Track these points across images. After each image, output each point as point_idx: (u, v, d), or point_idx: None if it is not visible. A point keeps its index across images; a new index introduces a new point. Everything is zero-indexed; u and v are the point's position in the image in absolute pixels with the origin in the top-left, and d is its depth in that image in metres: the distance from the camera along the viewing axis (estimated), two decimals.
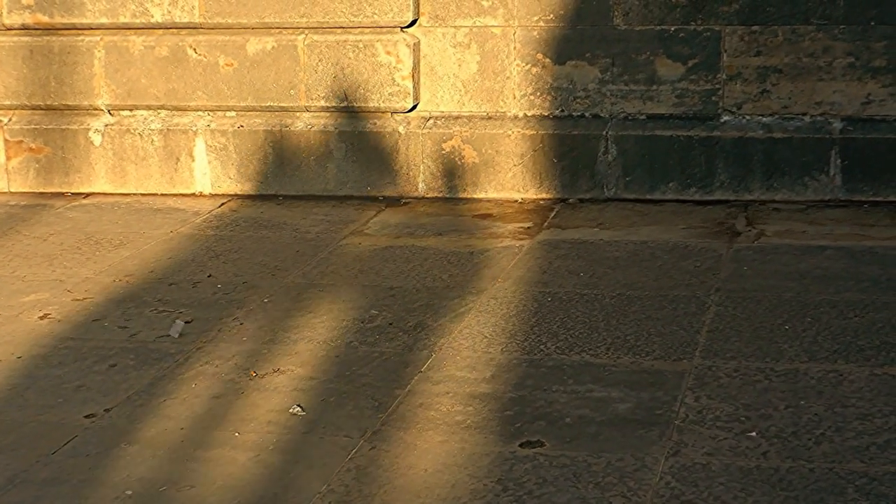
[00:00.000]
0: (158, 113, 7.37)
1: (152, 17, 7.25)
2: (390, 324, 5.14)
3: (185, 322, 5.22)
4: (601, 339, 4.89)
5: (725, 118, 6.85)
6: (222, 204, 7.12)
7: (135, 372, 4.72)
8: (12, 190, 7.50)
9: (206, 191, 7.31)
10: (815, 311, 5.11)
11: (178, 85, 7.28)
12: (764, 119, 6.82)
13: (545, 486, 3.70)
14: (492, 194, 7.02)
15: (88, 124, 7.42)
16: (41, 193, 7.43)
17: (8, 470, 3.93)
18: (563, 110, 6.99)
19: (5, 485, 3.84)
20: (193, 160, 7.31)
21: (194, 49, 7.24)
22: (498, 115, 7.06)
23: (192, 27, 7.25)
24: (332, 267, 5.93)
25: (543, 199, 6.96)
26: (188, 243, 6.38)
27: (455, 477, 3.79)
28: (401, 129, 7.09)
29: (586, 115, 6.98)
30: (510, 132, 6.98)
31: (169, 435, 4.16)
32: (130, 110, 7.40)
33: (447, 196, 7.07)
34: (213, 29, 7.23)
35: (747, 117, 6.84)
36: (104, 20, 7.30)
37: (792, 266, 5.70)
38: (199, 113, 7.32)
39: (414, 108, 7.11)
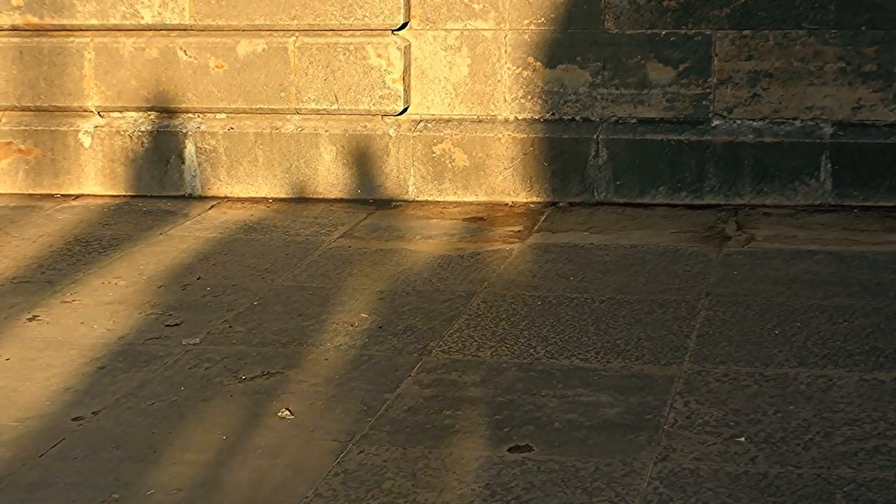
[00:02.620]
0: (148, 115, 7.36)
1: (142, 18, 7.24)
2: (380, 327, 5.13)
3: (176, 324, 5.21)
4: (591, 343, 4.88)
5: (716, 122, 6.86)
6: (212, 206, 7.11)
7: (123, 374, 4.70)
8: (1, 191, 7.48)
9: (196, 193, 7.30)
10: (805, 315, 5.11)
11: (169, 87, 7.26)
12: (754, 123, 6.82)
13: (533, 491, 3.70)
14: (482, 198, 7.02)
15: (78, 126, 7.40)
16: (30, 195, 7.41)
17: None
18: (553, 114, 6.99)
19: None
20: (183, 162, 7.29)
21: (184, 51, 7.23)
22: (489, 118, 7.05)
23: (182, 29, 7.24)
24: (322, 270, 5.92)
25: (534, 203, 6.95)
26: (177, 245, 6.37)
27: (443, 481, 3.78)
28: (391, 131, 7.08)
29: (577, 118, 6.98)
30: (501, 136, 6.98)
31: (157, 438, 4.14)
32: (120, 112, 7.38)
33: (437, 199, 7.06)
34: (203, 31, 7.22)
35: (738, 122, 6.84)
36: (94, 21, 7.29)
37: (782, 271, 5.70)
38: (189, 115, 7.31)
39: (404, 110, 7.10)
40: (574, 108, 6.97)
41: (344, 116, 7.15)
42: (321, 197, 7.15)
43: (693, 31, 6.81)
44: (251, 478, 3.85)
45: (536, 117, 7.01)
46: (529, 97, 6.99)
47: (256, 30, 7.16)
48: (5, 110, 7.49)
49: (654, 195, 6.87)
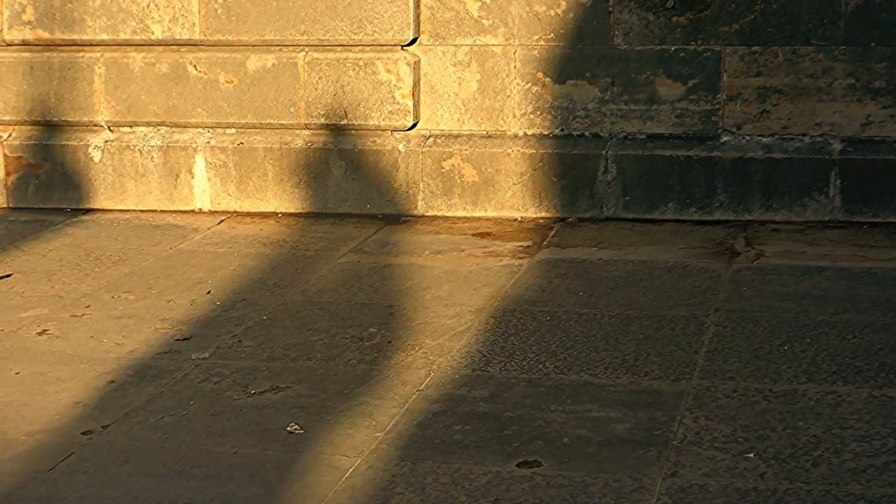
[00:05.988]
0: (158, 129, 7.38)
1: (153, 33, 7.26)
2: (389, 342, 5.13)
3: (185, 339, 5.22)
4: (600, 358, 4.88)
5: (725, 138, 6.86)
6: (221, 221, 7.12)
7: (133, 388, 4.71)
8: (11, 206, 7.50)
9: (206, 207, 7.32)
10: (814, 332, 5.10)
11: (178, 102, 7.28)
12: (764, 139, 6.82)
13: None
14: (491, 213, 7.03)
15: (88, 140, 7.42)
16: (40, 209, 7.43)
17: (4, 487, 3.92)
18: (562, 129, 7.00)
19: (1, 502, 3.83)
20: (193, 177, 7.31)
21: (194, 66, 7.25)
22: (498, 133, 7.06)
23: (192, 44, 7.26)
24: (331, 284, 5.93)
25: (543, 218, 6.96)
26: (187, 260, 6.38)
27: (452, 497, 3.78)
28: (401, 147, 7.09)
29: (586, 134, 6.98)
30: (510, 151, 6.98)
31: (166, 452, 4.15)
32: (130, 127, 7.40)
33: (447, 214, 7.07)
34: (213, 46, 7.24)
35: (747, 137, 6.84)
36: (105, 36, 7.31)
37: (791, 287, 5.70)
38: (199, 130, 7.33)
39: (414, 126, 7.11)
40: (583, 123, 6.98)
41: (353, 131, 7.16)
42: (330, 212, 7.16)
43: (702, 48, 6.82)
44: (260, 492, 3.85)
45: (545, 133, 7.01)
46: (538, 113, 7.00)
47: (266, 45, 7.18)
48: (16, 125, 7.51)
49: (663, 211, 6.88)
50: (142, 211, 7.35)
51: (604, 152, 6.91)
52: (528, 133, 7.03)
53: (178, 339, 5.24)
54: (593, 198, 6.94)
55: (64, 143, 7.43)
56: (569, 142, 6.99)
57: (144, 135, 7.39)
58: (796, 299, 5.52)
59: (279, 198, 7.22)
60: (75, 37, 7.34)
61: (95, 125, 7.43)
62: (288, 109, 7.18)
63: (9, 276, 5.64)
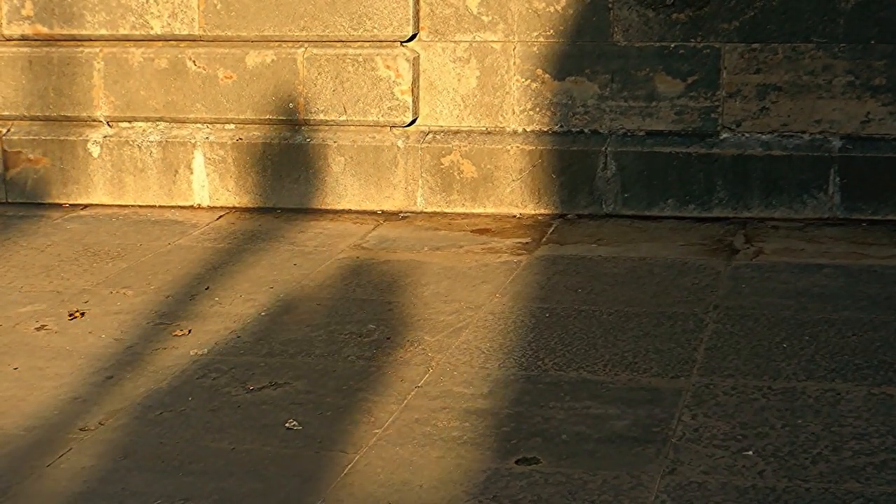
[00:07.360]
0: (157, 125, 7.37)
1: (152, 29, 7.25)
2: (387, 338, 5.13)
3: (184, 334, 5.22)
4: (599, 355, 4.88)
5: (724, 135, 6.85)
6: (220, 216, 7.11)
7: (131, 384, 4.71)
8: (10, 200, 7.49)
9: (205, 203, 7.31)
10: (813, 329, 5.10)
11: (178, 97, 7.28)
12: (763, 137, 6.82)
13: None
14: (490, 209, 7.02)
15: (87, 136, 7.41)
16: (39, 204, 7.42)
17: (2, 482, 3.92)
18: (562, 126, 6.99)
19: None
20: (192, 172, 7.30)
21: (194, 61, 7.24)
22: (497, 130, 7.06)
23: (191, 39, 7.25)
24: (330, 280, 5.92)
25: (542, 215, 6.95)
26: (186, 255, 6.37)
27: (451, 493, 3.77)
28: (400, 143, 7.09)
29: (585, 130, 6.98)
30: (509, 147, 6.98)
31: (164, 448, 4.15)
32: (129, 122, 7.39)
33: (445, 211, 7.06)
34: (212, 41, 7.23)
35: (746, 135, 6.83)
36: (104, 32, 7.30)
37: (790, 284, 5.69)
38: (198, 125, 7.32)
39: (413, 122, 7.11)
40: (582, 120, 6.97)
41: (352, 127, 7.15)
42: (329, 208, 7.16)
43: (702, 44, 6.82)
44: (259, 488, 3.84)
45: (545, 129, 7.01)
46: (538, 109, 7.00)
47: (266, 41, 7.17)
48: (15, 120, 7.50)
49: (662, 208, 6.87)
50: (140, 206, 7.35)
51: (603, 149, 6.91)
52: (528, 129, 7.02)
53: (176, 335, 5.24)
54: (592, 194, 6.93)
55: (63, 138, 7.43)
56: (568, 138, 6.98)
57: (143, 130, 7.38)
58: (795, 296, 5.51)
59: (278, 194, 7.22)
60: (74, 32, 7.34)
61: (94, 120, 7.42)
62: (287, 105, 7.17)
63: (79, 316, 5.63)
